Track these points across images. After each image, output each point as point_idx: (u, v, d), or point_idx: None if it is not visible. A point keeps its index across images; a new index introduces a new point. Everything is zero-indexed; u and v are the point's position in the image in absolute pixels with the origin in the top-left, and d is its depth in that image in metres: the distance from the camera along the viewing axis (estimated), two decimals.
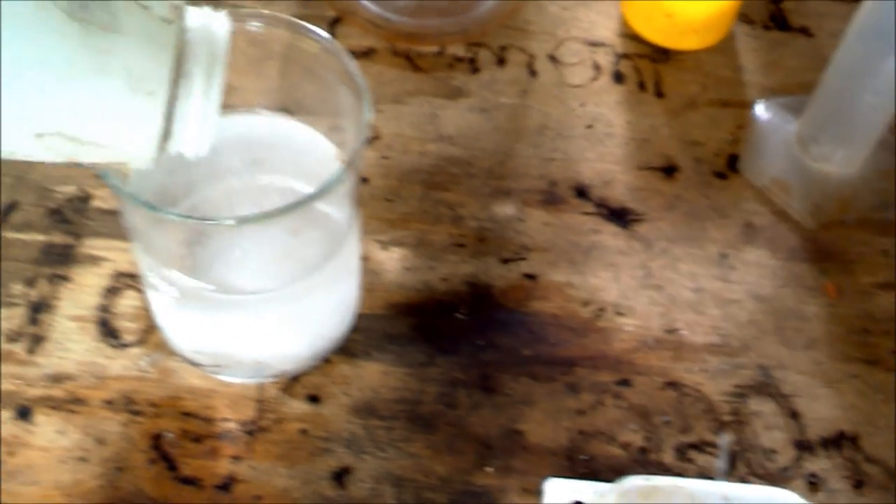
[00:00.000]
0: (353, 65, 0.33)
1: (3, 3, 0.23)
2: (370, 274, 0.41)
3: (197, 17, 0.27)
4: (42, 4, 0.23)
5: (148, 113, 0.26)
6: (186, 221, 0.32)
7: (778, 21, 0.52)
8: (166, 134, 0.26)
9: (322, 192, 0.31)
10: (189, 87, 0.26)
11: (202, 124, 0.27)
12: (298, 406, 0.38)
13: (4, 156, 0.25)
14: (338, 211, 0.35)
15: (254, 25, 0.34)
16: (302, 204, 0.31)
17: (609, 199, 0.45)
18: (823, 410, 0.39)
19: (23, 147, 0.25)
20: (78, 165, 0.27)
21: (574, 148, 0.46)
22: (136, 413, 0.37)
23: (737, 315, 0.41)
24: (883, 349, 0.41)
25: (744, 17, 0.52)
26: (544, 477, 0.36)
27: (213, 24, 0.27)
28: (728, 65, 0.50)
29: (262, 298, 0.35)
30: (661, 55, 0.50)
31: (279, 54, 0.36)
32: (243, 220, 0.30)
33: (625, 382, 0.39)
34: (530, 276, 0.42)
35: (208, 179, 0.37)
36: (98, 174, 0.30)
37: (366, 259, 0.42)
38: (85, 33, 0.24)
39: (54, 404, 0.37)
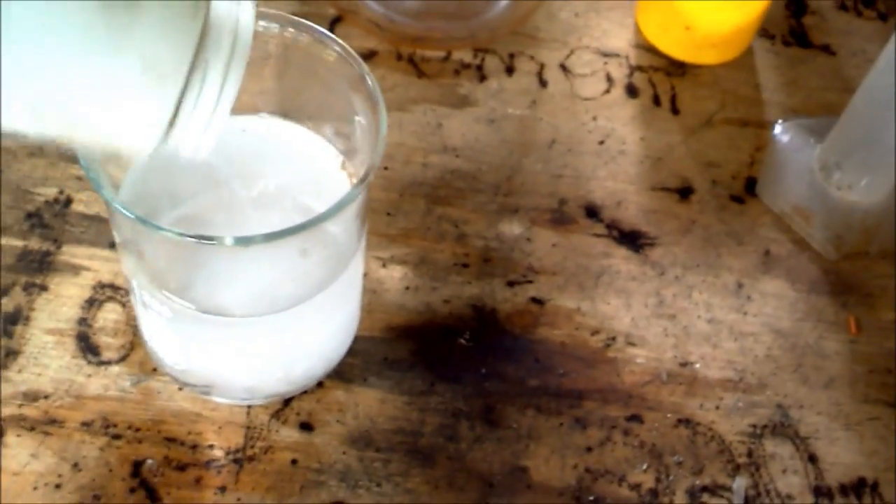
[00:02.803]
0: (369, 73, 0.31)
1: None
2: (369, 293, 0.39)
3: (224, 3, 0.25)
4: None
5: (156, 98, 0.23)
6: (182, 239, 0.29)
7: (798, 37, 0.50)
8: (170, 125, 0.24)
9: (333, 212, 0.28)
10: (204, 78, 0.24)
11: (210, 121, 0.24)
12: (289, 434, 0.36)
13: None
14: (346, 230, 0.33)
15: (260, 25, 0.32)
16: (310, 225, 0.28)
17: (621, 220, 0.43)
18: (843, 454, 0.37)
19: (13, 116, 0.22)
20: (66, 148, 0.24)
21: (585, 164, 0.44)
22: (116, 437, 0.35)
23: (753, 349, 0.39)
24: None
25: (763, 31, 0.50)
26: None
27: (239, 13, 0.25)
28: (747, 81, 0.48)
29: (260, 321, 0.33)
30: (678, 69, 0.48)
31: (279, 54, 0.33)
32: (245, 241, 0.28)
33: (635, 418, 0.37)
34: (537, 301, 0.40)
35: (204, 186, 0.34)
36: (90, 180, 0.27)
37: (365, 276, 0.39)
38: (103, 5, 0.21)
39: (28, 425, 0.35)
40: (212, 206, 0.34)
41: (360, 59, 0.31)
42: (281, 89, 0.34)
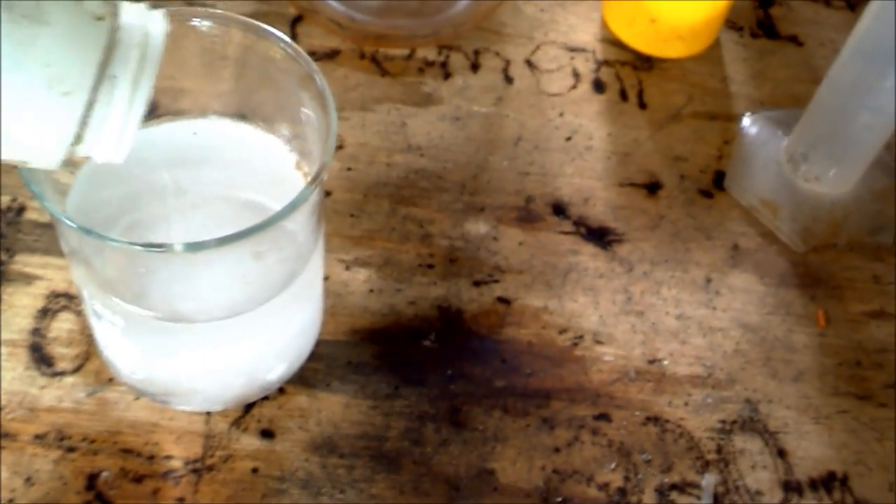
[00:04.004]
0: (317, 71, 0.30)
1: None
2: (332, 296, 0.38)
3: (132, 15, 0.24)
4: None
5: (61, 115, 0.23)
6: (130, 248, 0.28)
7: (766, 28, 0.50)
8: (77, 139, 0.23)
9: (286, 212, 0.28)
10: (112, 92, 0.23)
11: (121, 133, 0.24)
12: (250, 442, 0.35)
13: None
14: (302, 230, 0.32)
15: (204, 25, 0.31)
16: (263, 227, 0.27)
17: (588, 217, 0.42)
18: (812, 448, 0.37)
19: None
20: None
21: (552, 161, 0.44)
22: (71, 449, 0.34)
23: (722, 344, 0.39)
24: (874, 383, 0.39)
25: (730, 23, 0.49)
26: None
27: (148, 25, 0.24)
28: (714, 74, 0.48)
29: (218, 326, 0.32)
30: (644, 63, 0.48)
31: (235, 56, 0.33)
32: (196, 247, 0.27)
33: (603, 417, 0.37)
34: (504, 301, 0.39)
35: (156, 191, 0.33)
36: (32, 192, 0.27)
37: (327, 280, 0.39)
38: (5, 19, 0.21)
39: None
40: (164, 211, 0.33)
41: (307, 58, 0.30)
42: (233, 90, 0.34)
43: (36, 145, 0.23)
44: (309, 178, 0.33)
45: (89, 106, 0.23)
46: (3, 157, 0.23)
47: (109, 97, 0.23)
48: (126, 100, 0.23)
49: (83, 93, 0.22)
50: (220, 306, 0.32)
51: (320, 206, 0.32)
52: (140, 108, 0.23)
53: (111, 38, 0.23)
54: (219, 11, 0.31)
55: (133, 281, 0.31)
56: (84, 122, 0.23)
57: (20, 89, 0.22)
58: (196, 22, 0.31)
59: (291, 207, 0.28)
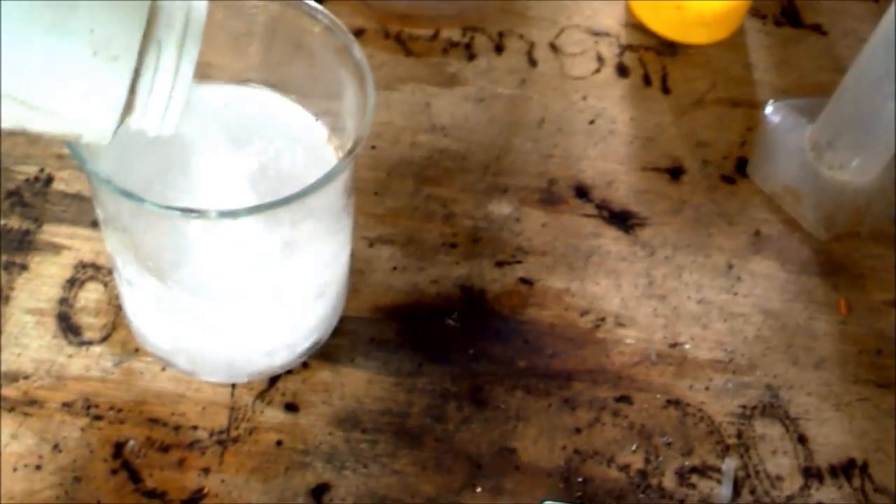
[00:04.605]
0: (355, 42, 0.30)
1: None
2: (356, 273, 0.38)
3: None
4: None
5: (110, 81, 0.23)
6: (167, 212, 0.28)
7: (790, 17, 0.50)
8: (128, 107, 0.23)
9: (320, 185, 0.28)
10: (158, 57, 0.23)
11: (169, 101, 0.24)
12: (274, 415, 0.35)
13: None
14: (332, 205, 0.32)
15: None
16: (296, 198, 0.28)
17: (611, 200, 0.42)
18: (832, 435, 0.37)
19: None
20: (26, 133, 0.23)
21: (575, 144, 0.44)
22: (98, 418, 0.34)
23: (743, 330, 0.39)
24: (894, 371, 0.39)
25: (755, 11, 0.49)
26: (538, 500, 0.33)
27: None
28: (738, 61, 0.48)
29: (249, 299, 0.32)
30: (668, 48, 0.48)
31: (269, 27, 0.33)
32: (231, 214, 0.27)
33: (624, 399, 0.37)
34: (526, 281, 0.39)
35: (186, 159, 0.33)
36: (73, 155, 0.27)
37: (351, 257, 0.39)
38: None
39: (7, 405, 0.34)
40: (195, 181, 0.33)
41: (346, 30, 0.30)
42: (267, 62, 0.34)
43: (87, 116, 0.23)
44: (340, 153, 0.33)
45: (137, 71, 0.23)
46: (57, 132, 0.23)
47: (156, 63, 0.23)
48: (173, 65, 0.23)
49: (130, 57, 0.22)
50: (251, 280, 0.32)
51: (351, 183, 0.32)
52: (188, 74, 0.24)
53: (154, 1, 0.23)
54: None
55: (167, 251, 0.31)
56: (133, 89, 0.23)
57: (67, 58, 0.22)
58: None
59: (325, 180, 0.28)
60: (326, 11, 0.30)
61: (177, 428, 0.34)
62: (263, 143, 0.34)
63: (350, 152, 0.28)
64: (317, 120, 0.33)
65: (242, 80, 0.34)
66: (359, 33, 0.46)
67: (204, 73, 0.34)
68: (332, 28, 0.30)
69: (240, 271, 0.32)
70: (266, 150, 0.34)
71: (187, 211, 0.27)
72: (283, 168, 0.33)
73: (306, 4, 0.30)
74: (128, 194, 0.26)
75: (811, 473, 0.36)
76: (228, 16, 0.32)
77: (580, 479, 0.35)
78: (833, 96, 0.41)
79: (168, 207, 0.27)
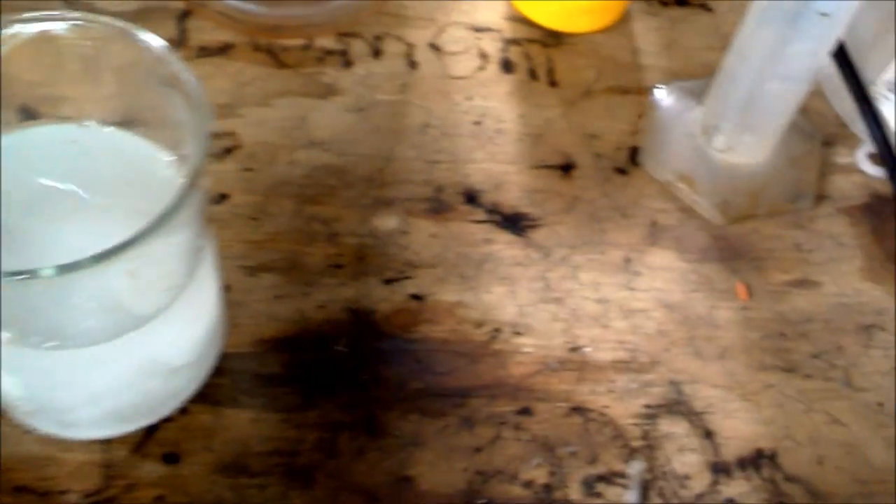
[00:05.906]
0: (178, 62, 0.28)
1: None
2: (235, 306, 0.36)
3: None
4: None
5: None
6: None
7: None
8: None
9: (161, 222, 0.26)
10: None
11: None
12: (153, 468, 0.33)
13: None
14: (184, 240, 0.30)
15: (60, 28, 0.29)
16: (140, 239, 0.25)
17: (502, 203, 0.41)
18: (739, 427, 0.36)
19: None
20: None
21: (461, 148, 0.42)
22: None
23: (644, 326, 0.38)
24: (799, 354, 0.38)
25: None
26: None
27: None
28: (625, 47, 0.46)
29: (109, 345, 0.30)
30: (553, 39, 0.46)
31: (104, 61, 0.30)
32: (69, 269, 0.25)
33: (525, 411, 0.35)
34: (417, 297, 0.38)
35: (29, 204, 0.31)
36: None
37: (228, 289, 0.37)
38: None
39: None
40: (41, 230, 0.31)
41: (170, 54, 0.28)
42: (111, 96, 0.32)
43: None
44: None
45: None
46: None
47: None
48: None
49: None
50: (107, 326, 0.30)
51: (202, 214, 0.30)
52: None
53: None
54: (78, 13, 0.29)
55: (5, 307, 0.29)
56: None
57: None
58: (52, 26, 0.29)
59: (166, 216, 0.26)
60: (150, 37, 0.28)
61: (45, 494, 0.32)
62: (111, 181, 0.31)
63: (186, 186, 0.26)
64: (169, 154, 0.31)
65: (91, 114, 0.32)
66: (227, 49, 0.43)
67: (53, 106, 0.32)
68: (158, 55, 0.28)
69: (95, 321, 0.30)
70: (114, 188, 0.31)
71: (15, 274, 0.25)
72: (132, 204, 0.31)
73: (129, 32, 0.28)
74: None
75: (719, 469, 0.35)
76: (60, 49, 0.30)
77: (483, 501, 0.33)
78: (716, 77, 0.40)
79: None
